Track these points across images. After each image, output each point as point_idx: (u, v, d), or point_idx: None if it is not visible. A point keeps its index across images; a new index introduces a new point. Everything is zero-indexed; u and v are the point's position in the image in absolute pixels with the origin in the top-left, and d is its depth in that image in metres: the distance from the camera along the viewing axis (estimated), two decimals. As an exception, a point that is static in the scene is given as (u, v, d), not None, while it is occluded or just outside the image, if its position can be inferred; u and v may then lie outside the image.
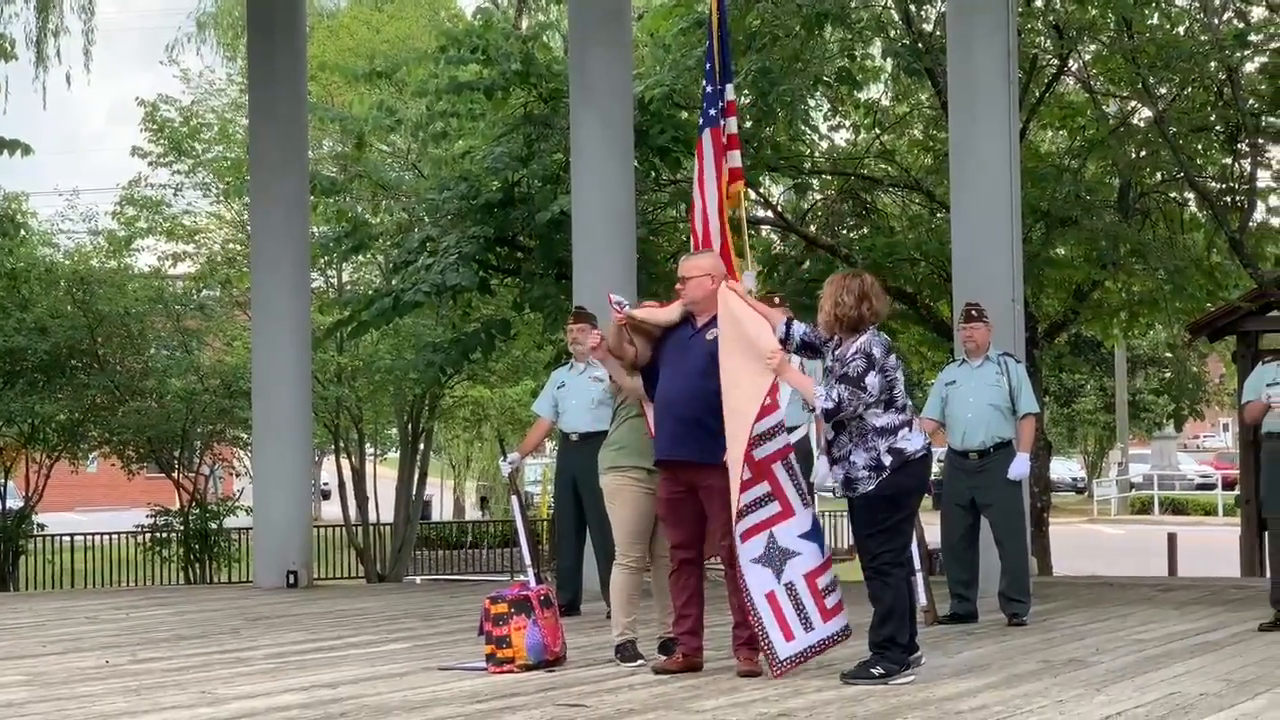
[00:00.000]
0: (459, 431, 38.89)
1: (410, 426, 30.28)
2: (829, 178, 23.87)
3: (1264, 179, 22.55)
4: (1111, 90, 23.35)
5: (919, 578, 12.36)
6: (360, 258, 26.72)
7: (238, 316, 28.47)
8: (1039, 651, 10.45)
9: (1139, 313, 24.99)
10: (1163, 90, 22.21)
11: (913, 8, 22.07)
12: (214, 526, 26.25)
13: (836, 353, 9.05)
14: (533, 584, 10.79)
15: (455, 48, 20.68)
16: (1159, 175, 23.17)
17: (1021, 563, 12.56)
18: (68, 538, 28.12)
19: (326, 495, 45.57)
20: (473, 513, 52.82)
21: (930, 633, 11.57)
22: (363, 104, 27.52)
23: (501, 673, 9.45)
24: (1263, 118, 21.90)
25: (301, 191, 18.69)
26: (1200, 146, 22.74)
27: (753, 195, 22.30)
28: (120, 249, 27.93)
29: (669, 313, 9.57)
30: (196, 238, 29.92)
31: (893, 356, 9.00)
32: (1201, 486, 58.90)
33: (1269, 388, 11.58)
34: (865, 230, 23.42)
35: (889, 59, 22.25)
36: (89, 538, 28.64)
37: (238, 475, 28.72)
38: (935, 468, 10.55)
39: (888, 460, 8.90)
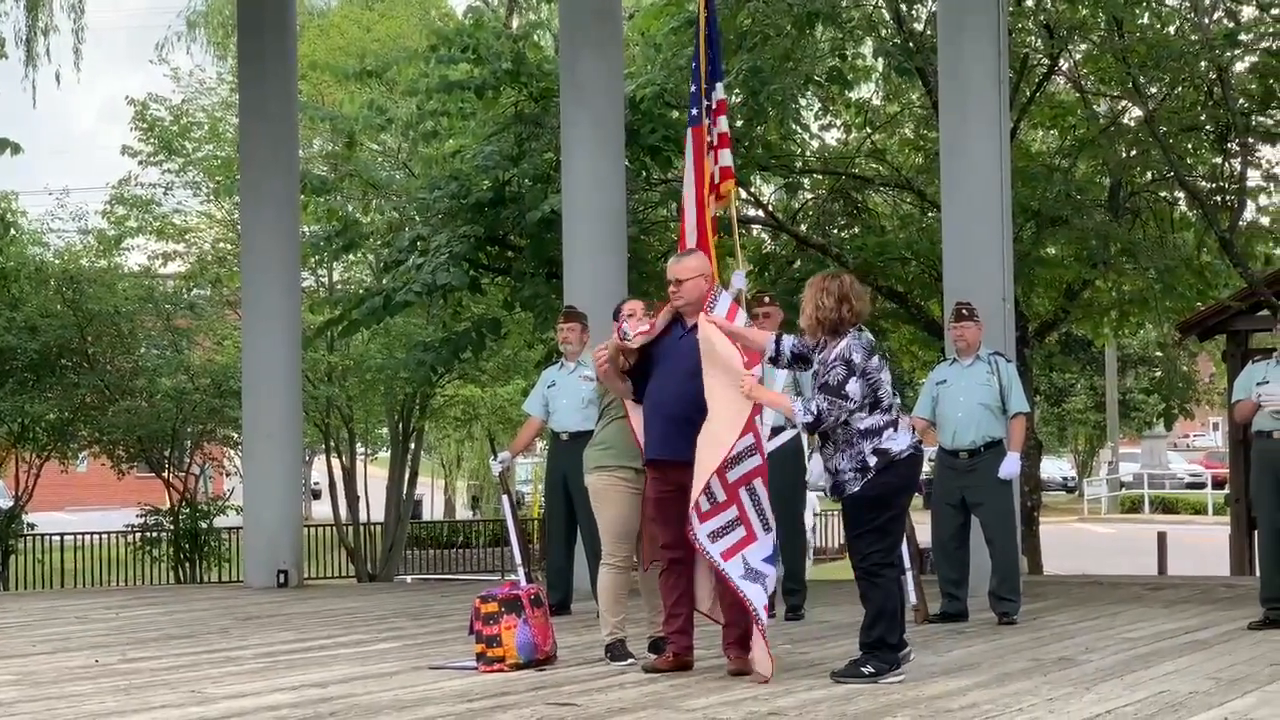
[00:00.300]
0: (450, 431, 38.90)
1: (401, 426, 30.28)
2: (820, 177, 23.86)
3: (1254, 178, 22.56)
4: (1102, 90, 23.36)
5: (909, 576, 12.38)
6: (351, 257, 26.74)
7: (228, 316, 28.50)
8: (1029, 650, 10.45)
9: (1129, 312, 25.00)
10: (1153, 90, 22.23)
11: (903, 7, 22.06)
12: (204, 526, 26.27)
13: (818, 356, 9.04)
14: (523, 583, 10.79)
15: (446, 47, 20.68)
16: (1149, 175, 23.19)
17: (1012, 562, 12.56)
18: (57, 537, 28.13)
19: (317, 495, 45.57)
20: (464, 512, 52.82)
21: (921, 631, 11.58)
22: (353, 103, 27.51)
23: (492, 672, 9.45)
24: (1253, 117, 21.90)
25: (292, 190, 18.68)
26: (1190, 146, 22.75)
27: (744, 194, 22.30)
28: (110, 248, 27.93)
29: (661, 324, 9.56)
30: (187, 237, 29.94)
31: (875, 358, 8.94)
32: (1191, 485, 58.96)
33: (1259, 386, 11.59)
34: (856, 229, 23.43)
35: (880, 58, 22.23)
36: (79, 537, 28.65)
37: (228, 475, 28.70)
38: (926, 466, 10.56)
39: (873, 461, 8.87)
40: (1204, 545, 33.09)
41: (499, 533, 33.75)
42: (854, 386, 8.83)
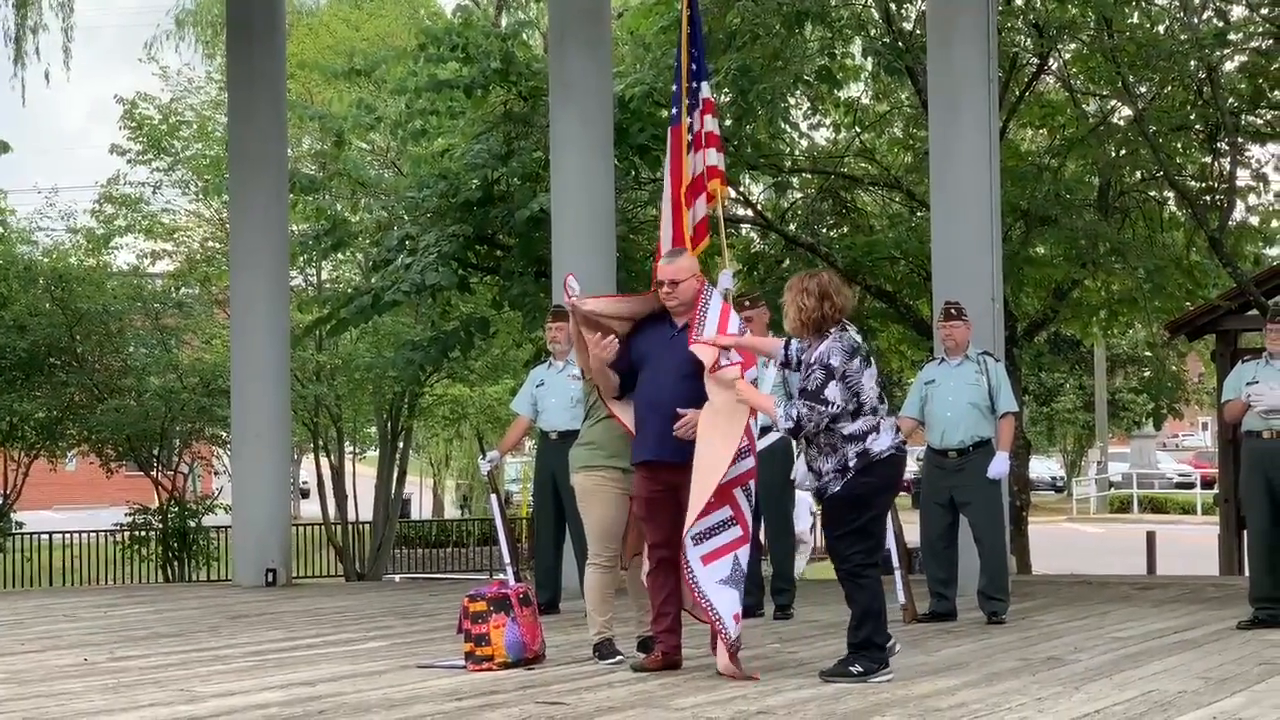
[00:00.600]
0: (438, 430, 38.86)
1: (389, 425, 30.25)
2: (809, 176, 23.87)
3: (1243, 178, 22.57)
4: (1091, 89, 23.37)
5: (898, 575, 12.39)
6: (339, 256, 26.69)
7: (216, 314, 28.46)
8: (1018, 649, 10.46)
9: (1118, 311, 25.02)
10: (1142, 89, 22.24)
11: (893, 6, 22.07)
12: (193, 525, 26.23)
13: (802, 357, 9.02)
14: (512, 582, 10.78)
15: (435, 46, 20.66)
16: (1138, 174, 23.18)
17: (1000, 561, 12.56)
18: (46, 536, 28.09)
19: (305, 494, 45.49)
20: (452, 511, 52.79)
21: (909, 631, 11.59)
22: (342, 102, 27.52)
23: (480, 671, 9.44)
24: (1242, 117, 21.92)
25: (280, 189, 18.65)
26: (1180, 145, 22.76)
27: (732, 193, 22.29)
28: (99, 247, 27.89)
29: (630, 305, 9.57)
30: (175, 235, 29.88)
31: (856, 360, 8.87)
32: (1180, 485, 59.07)
33: (1248, 386, 11.60)
34: (845, 229, 23.44)
35: (869, 57, 22.26)
36: (67, 536, 28.62)
37: (216, 473, 28.68)
38: (915, 465, 10.57)
39: (853, 462, 8.86)
40: (1193, 545, 33.17)
41: (488, 532, 33.74)
42: (833, 391, 8.80)
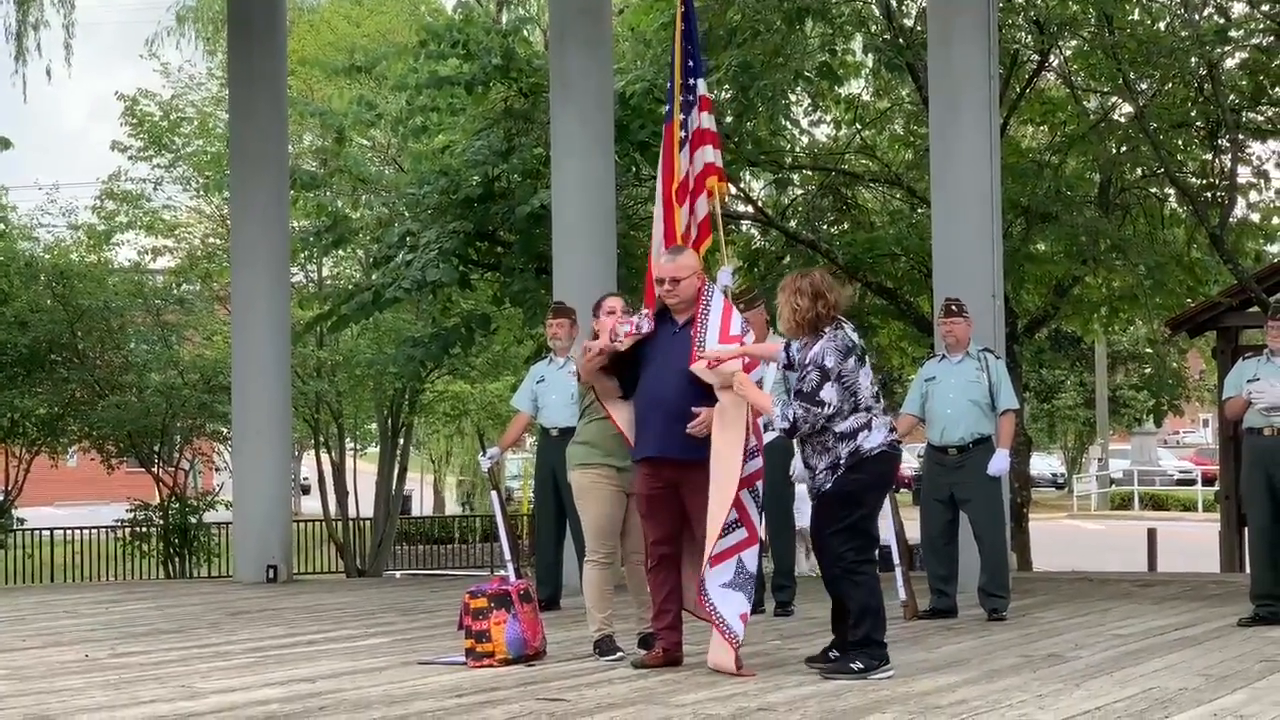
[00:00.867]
0: (439, 426, 38.84)
1: (390, 421, 30.22)
2: (809, 173, 23.86)
3: (1244, 175, 22.58)
4: (1092, 86, 23.36)
5: (898, 572, 12.39)
6: (340, 252, 26.70)
7: (217, 311, 28.46)
8: (1018, 646, 10.45)
9: (1119, 308, 25.01)
10: (1143, 86, 22.23)
11: (893, 3, 22.06)
12: (194, 521, 26.23)
13: (798, 357, 9.02)
14: (512, 578, 10.78)
15: (435, 42, 20.66)
16: (1139, 171, 23.19)
17: (1001, 558, 12.56)
18: (47, 532, 28.09)
19: (306, 490, 45.51)
20: (453, 507, 52.76)
21: (910, 628, 11.59)
22: (343, 98, 27.48)
23: (481, 667, 9.44)
24: (1243, 113, 21.92)
25: (281, 186, 18.64)
26: (1181, 142, 22.76)
27: (733, 190, 22.29)
28: (100, 243, 27.90)
29: (646, 327, 9.55)
30: (176, 232, 29.86)
31: (851, 359, 8.87)
32: (1181, 482, 59.06)
33: (1250, 383, 11.59)
34: (846, 225, 23.44)
35: (870, 54, 22.25)
36: (68, 532, 28.60)
37: (217, 470, 28.70)
38: (915, 463, 10.56)
39: (844, 458, 8.86)
40: (1194, 542, 33.16)
41: (488, 528, 33.73)
42: (829, 392, 8.80)
